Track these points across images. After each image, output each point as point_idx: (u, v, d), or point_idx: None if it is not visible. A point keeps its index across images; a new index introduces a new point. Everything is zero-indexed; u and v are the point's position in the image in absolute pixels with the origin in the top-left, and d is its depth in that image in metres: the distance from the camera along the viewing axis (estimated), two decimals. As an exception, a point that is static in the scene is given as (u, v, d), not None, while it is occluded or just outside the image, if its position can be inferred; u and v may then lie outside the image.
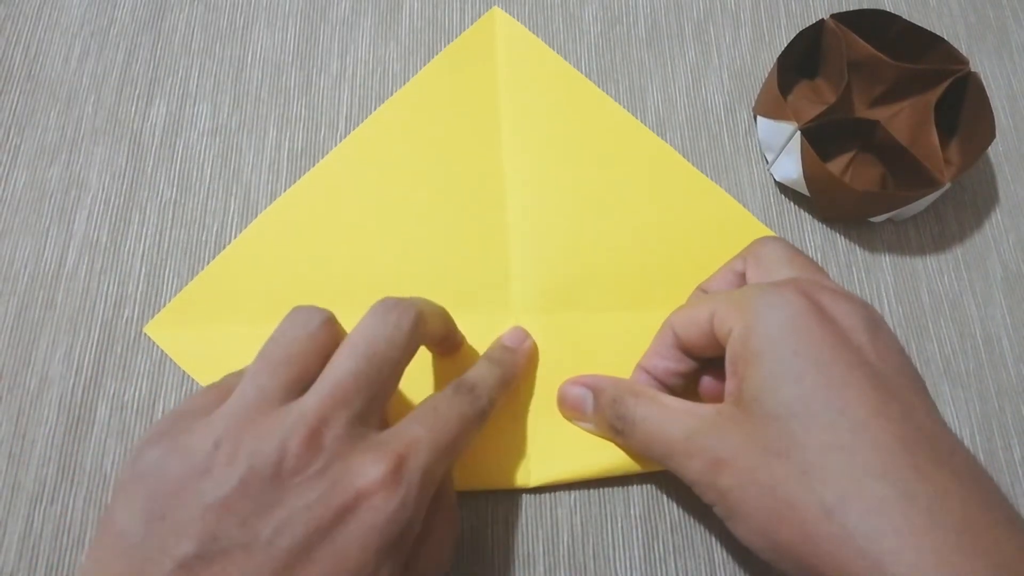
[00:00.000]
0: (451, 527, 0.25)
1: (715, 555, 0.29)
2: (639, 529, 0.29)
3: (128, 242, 0.33)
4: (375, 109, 0.36)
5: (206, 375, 0.31)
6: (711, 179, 0.35)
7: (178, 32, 0.38)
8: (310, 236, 0.33)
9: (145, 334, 0.32)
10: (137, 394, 0.31)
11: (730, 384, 0.25)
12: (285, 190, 0.34)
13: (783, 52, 0.34)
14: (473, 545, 0.29)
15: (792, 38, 0.34)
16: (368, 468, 0.21)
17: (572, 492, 0.30)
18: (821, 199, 0.34)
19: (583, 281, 0.33)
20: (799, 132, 0.32)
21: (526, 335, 0.31)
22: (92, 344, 0.32)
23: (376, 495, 0.21)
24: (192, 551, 0.19)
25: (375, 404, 0.23)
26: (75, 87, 0.36)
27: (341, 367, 0.22)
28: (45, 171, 0.35)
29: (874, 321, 0.24)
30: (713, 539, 0.29)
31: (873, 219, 0.34)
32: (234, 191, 0.35)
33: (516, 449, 0.30)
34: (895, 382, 0.23)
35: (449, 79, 0.37)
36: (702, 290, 0.31)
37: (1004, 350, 0.33)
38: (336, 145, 0.35)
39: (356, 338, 0.23)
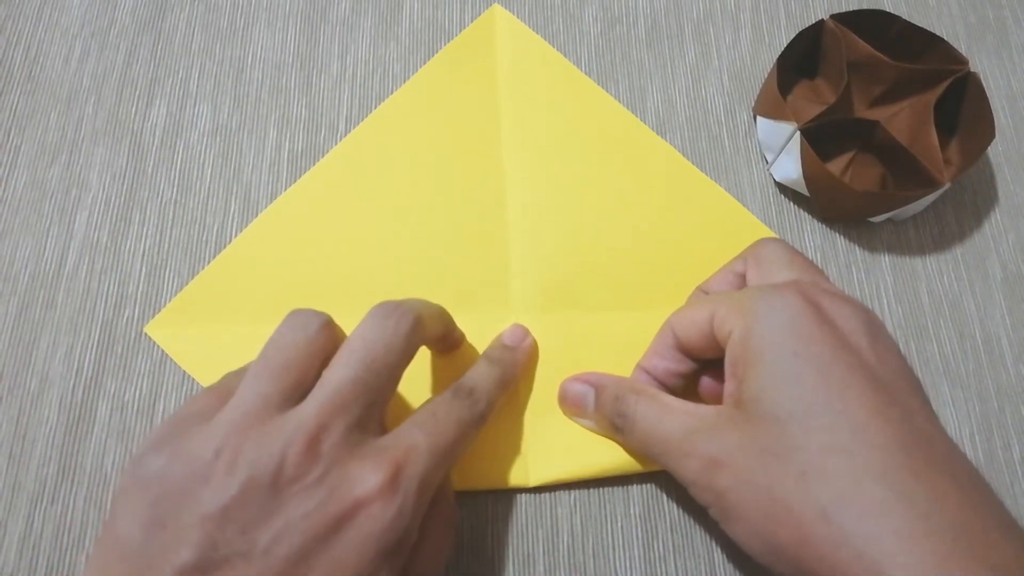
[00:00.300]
0: (448, 531, 0.25)
1: (715, 555, 0.29)
2: (639, 529, 0.30)
3: (128, 242, 0.33)
4: (375, 109, 0.36)
5: (206, 375, 0.31)
6: (711, 179, 0.35)
7: (178, 32, 0.38)
8: (310, 236, 0.33)
9: (145, 334, 0.32)
10: (137, 394, 0.31)
11: (729, 385, 0.25)
12: (285, 190, 0.34)
13: (783, 52, 0.34)
14: (473, 545, 0.29)
15: (792, 38, 0.34)
16: (366, 476, 0.21)
17: (572, 492, 0.30)
18: (821, 199, 0.34)
19: (583, 280, 0.33)
20: (799, 132, 0.32)
21: (526, 333, 0.31)
22: (92, 344, 0.32)
23: (373, 504, 0.21)
24: (192, 559, 0.19)
25: (373, 410, 0.23)
26: (75, 87, 0.36)
27: (339, 374, 0.23)
28: (45, 171, 0.35)
29: (873, 324, 0.24)
30: (713, 539, 0.29)
31: (873, 219, 0.34)
32: (234, 191, 0.35)
33: (515, 449, 0.30)
34: (894, 385, 0.23)
35: (449, 77, 0.37)
36: (702, 291, 0.31)
37: (1004, 350, 0.33)
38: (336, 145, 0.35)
39: (354, 344, 0.23)
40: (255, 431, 0.21)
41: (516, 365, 0.30)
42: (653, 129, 0.36)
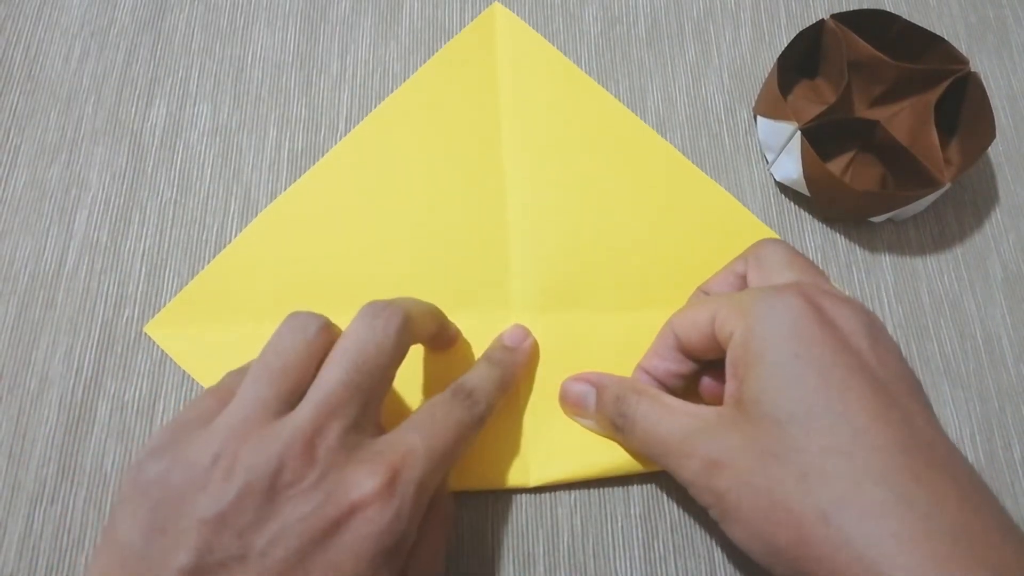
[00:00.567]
0: (445, 533, 0.25)
1: (715, 555, 0.29)
2: (639, 529, 0.30)
3: (128, 242, 0.33)
4: (375, 108, 0.36)
5: (206, 375, 0.31)
6: (711, 179, 0.35)
7: (178, 32, 0.38)
8: (310, 235, 0.33)
9: (145, 334, 0.32)
10: (137, 394, 0.31)
11: (730, 386, 0.25)
12: (285, 190, 0.34)
13: (783, 52, 0.34)
14: (473, 545, 0.29)
15: (792, 38, 0.34)
16: (363, 480, 0.21)
17: (572, 492, 0.30)
18: (821, 199, 0.34)
19: (583, 280, 0.33)
20: (799, 132, 0.32)
21: (527, 333, 0.31)
22: (92, 344, 0.32)
23: (370, 507, 0.21)
24: (189, 563, 0.19)
25: (368, 411, 0.23)
26: (75, 87, 0.36)
27: (331, 377, 0.23)
28: (45, 171, 0.35)
29: (874, 326, 0.24)
30: (713, 539, 0.29)
31: (873, 219, 0.34)
32: (234, 191, 0.35)
33: (515, 449, 0.30)
34: (894, 387, 0.23)
35: (449, 75, 0.37)
36: (703, 292, 0.31)
37: (1004, 350, 0.33)
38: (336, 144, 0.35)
39: (345, 345, 0.23)
40: (253, 436, 0.21)
41: (516, 366, 0.30)
42: (653, 128, 0.36)
